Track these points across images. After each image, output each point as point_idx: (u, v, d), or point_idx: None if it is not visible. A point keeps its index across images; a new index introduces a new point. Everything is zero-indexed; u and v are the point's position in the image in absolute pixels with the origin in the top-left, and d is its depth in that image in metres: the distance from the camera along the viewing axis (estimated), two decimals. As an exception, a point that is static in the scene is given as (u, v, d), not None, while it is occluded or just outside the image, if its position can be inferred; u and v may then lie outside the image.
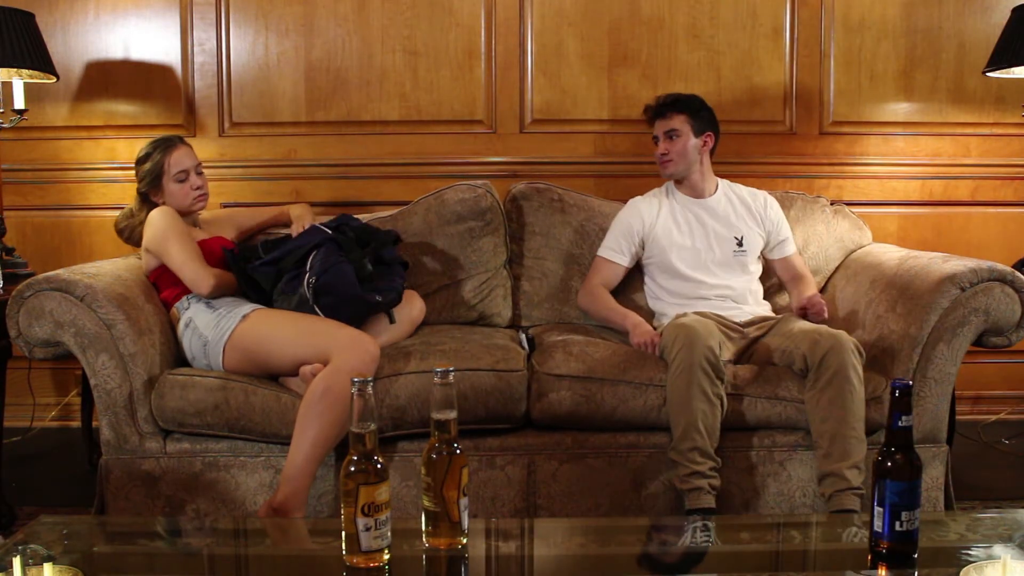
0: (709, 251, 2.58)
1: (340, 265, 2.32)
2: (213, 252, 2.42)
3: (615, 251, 2.65)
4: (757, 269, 2.66)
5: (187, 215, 2.49)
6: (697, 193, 2.65)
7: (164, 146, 2.47)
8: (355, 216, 2.61)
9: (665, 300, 2.60)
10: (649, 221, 2.63)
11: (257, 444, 2.25)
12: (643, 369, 2.27)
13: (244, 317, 2.26)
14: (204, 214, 2.63)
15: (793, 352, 2.24)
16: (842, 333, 2.19)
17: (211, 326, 2.28)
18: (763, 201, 2.69)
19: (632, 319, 2.47)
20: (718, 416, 2.16)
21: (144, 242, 2.39)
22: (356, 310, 2.32)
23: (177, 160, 2.45)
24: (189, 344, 2.32)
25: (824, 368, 2.14)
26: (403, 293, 2.47)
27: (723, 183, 2.71)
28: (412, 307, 2.56)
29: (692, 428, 2.13)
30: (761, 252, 2.67)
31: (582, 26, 3.19)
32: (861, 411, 2.13)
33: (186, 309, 2.34)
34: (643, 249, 2.65)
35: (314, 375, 2.14)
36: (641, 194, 2.74)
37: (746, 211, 2.66)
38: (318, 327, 2.22)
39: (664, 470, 2.26)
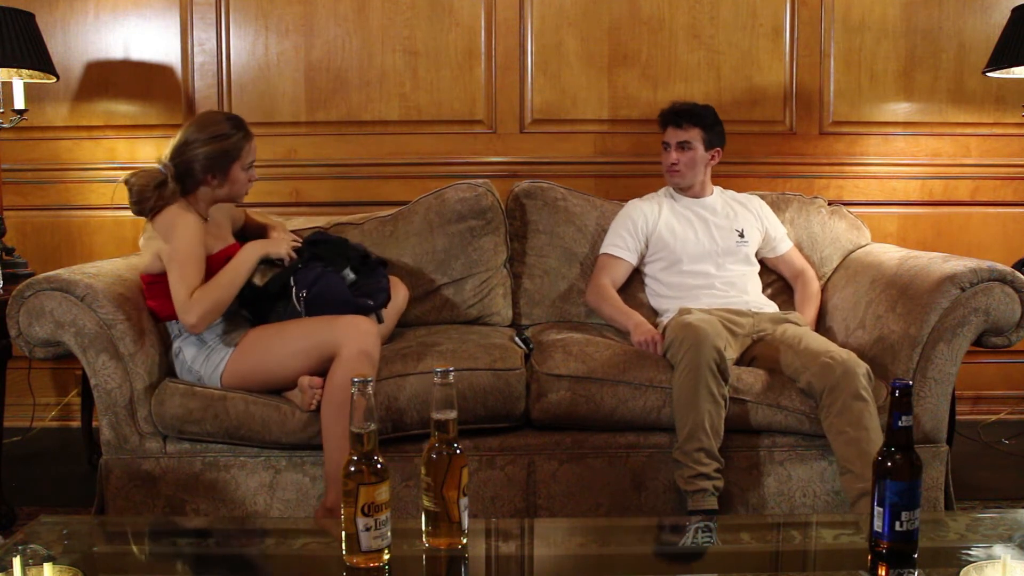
0: (713, 243, 2.62)
1: (326, 276, 2.28)
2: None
3: (620, 248, 2.67)
4: (757, 265, 2.69)
5: (213, 205, 2.31)
6: (696, 195, 2.72)
7: (246, 131, 2.25)
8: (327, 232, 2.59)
9: (669, 296, 2.61)
10: (652, 219, 2.67)
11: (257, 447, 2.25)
12: (643, 370, 2.27)
13: (236, 346, 2.21)
14: None
15: (801, 372, 2.23)
16: (852, 357, 2.16)
17: (200, 360, 2.22)
18: (757, 203, 2.76)
19: (634, 319, 2.48)
20: (723, 416, 2.16)
21: (159, 245, 2.18)
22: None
23: (254, 148, 2.27)
24: (180, 373, 2.27)
25: (837, 394, 2.12)
26: (389, 293, 2.43)
27: (716, 188, 2.77)
28: (396, 296, 2.51)
29: (699, 429, 2.13)
30: (760, 252, 2.71)
31: (582, 26, 3.19)
32: (879, 428, 2.11)
33: (177, 336, 2.27)
34: (647, 247, 2.67)
35: (311, 386, 2.14)
36: (639, 195, 2.76)
37: (743, 208, 2.73)
38: (309, 329, 2.19)
39: (664, 470, 2.26)
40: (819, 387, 2.16)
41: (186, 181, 2.21)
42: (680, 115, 2.63)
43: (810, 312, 2.63)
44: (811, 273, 2.73)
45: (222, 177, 2.23)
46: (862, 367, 2.14)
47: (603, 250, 2.70)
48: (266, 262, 2.32)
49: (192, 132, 2.22)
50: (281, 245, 2.32)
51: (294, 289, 2.27)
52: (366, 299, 2.33)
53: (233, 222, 2.46)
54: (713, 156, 2.67)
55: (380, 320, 2.40)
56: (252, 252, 2.25)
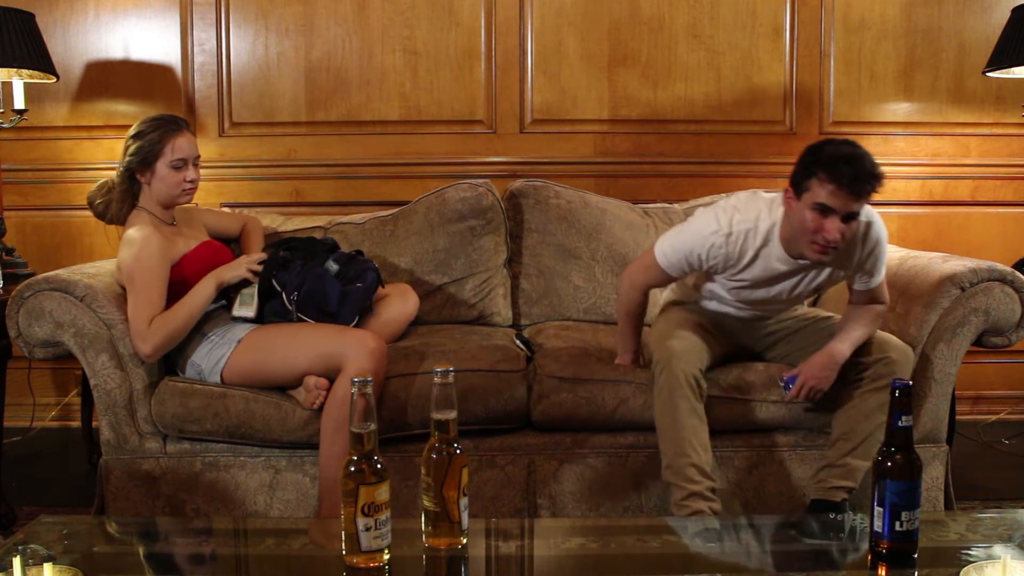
0: (770, 298, 2.23)
1: (311, 273, 2.27)
2: (202, 260, 2.28)
3: (673, 266, 2.19)
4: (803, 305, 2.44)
5: (168, 207, 2.33)
6: (804, 255, 2.09)
7: (168, 128, 2.26)
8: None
9: (701, 291, 2.31)
10: (728, 266, 2.16)
11: (258, 446, 2.25)
12: (644, 370, 2.27)
13: (239, 342, 2.20)
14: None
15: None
16: (909, 350, 2.17)
17: (203, 355, 2.22)
18: (873, 245, 2.11)
19: (624, 346, 2.32)
20: (707, 433, 2.08)
21: (119, 258, 2.23)
22: (348, 307, 2.28)
23: (180, 146, 2.25)
24: (181, 368, 2.27)
25: (886, 372, 2.08)
26: (379, 272, 2.43)
27: None
28: (406, 303, 2.52)
29: (686, 443, 2.04)
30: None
31: (582, 26, 3.19)
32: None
33: None
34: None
35: (317, 386, 2.14)
36: (639, 196, 2.54)
37: (847, 259, 2.13)
38: (319, 336, 2.18)
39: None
40: (871, 359, 2.11)
41: (131, 183, 2.29)
42: (867, 181, 1.92)
43: (855, 332, 2.14)
44: (875, 313, 2.19)
45: (150, 175, 2.27)
46: (914, 360, 2.17)
47: (658, 248, 2.20)
48: (234, 286, 2.28)
49: (127, 136, 2.31)
50: (237, 268, 2.28)
51: (283, 294, 2.25)
52: (356, 283, 2.33)
53: (207, 225, 2.49)
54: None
55: (370, 309, 2.38)
56: (207, 285, 2.22)
